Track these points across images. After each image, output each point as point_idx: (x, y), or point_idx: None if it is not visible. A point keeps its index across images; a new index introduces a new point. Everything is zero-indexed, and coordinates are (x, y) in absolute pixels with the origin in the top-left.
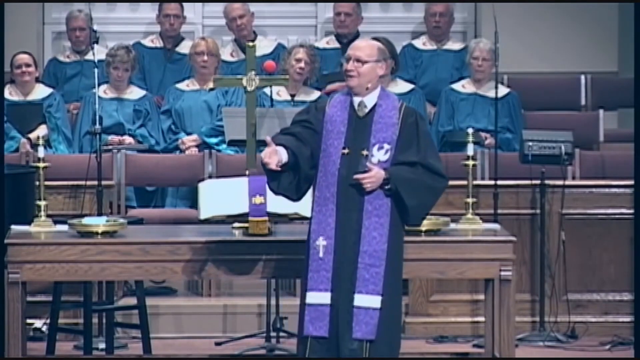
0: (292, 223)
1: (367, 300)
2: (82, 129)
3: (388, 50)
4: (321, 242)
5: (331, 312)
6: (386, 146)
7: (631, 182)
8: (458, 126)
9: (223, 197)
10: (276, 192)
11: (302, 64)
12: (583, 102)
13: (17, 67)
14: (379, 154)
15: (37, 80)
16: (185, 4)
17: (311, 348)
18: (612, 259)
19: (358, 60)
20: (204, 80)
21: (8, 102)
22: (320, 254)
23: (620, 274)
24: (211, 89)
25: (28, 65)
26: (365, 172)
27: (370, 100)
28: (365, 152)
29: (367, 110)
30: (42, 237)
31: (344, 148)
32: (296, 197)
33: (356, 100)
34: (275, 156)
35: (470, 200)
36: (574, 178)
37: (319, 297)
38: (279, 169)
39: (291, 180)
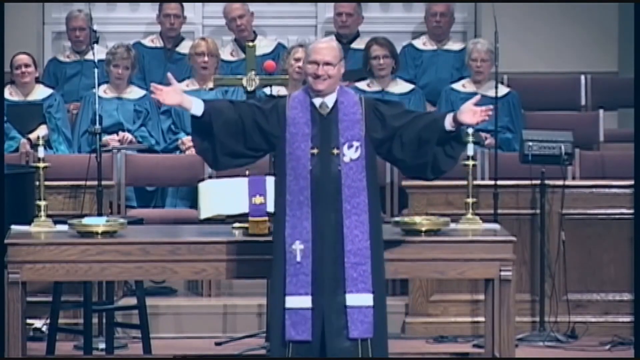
0: None
1: (360, 299)
2: (81, 129)
3: (388, 50)
4: (298, 246)
5: (313, 315)
6: (355, 144)
7: (631, 182)
8: None
9: (223, 197)
10: (197, 151)
11: (301, 63)
12: (583, 102)
13: (17, 68)
14: (350, 152)
15: (37, 80)
16: (185, 4)
17: (293, 352)
18: (612, 259)
19: (328, 64)
20: (204, 80)
21: (8, 102)
22: (298, 258)
23: (620, 274)
24: (211, 89)
25: (27, 66)
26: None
27: (330, 99)
28: (336, 151)
29: (329, 108)
30: (42, 237)
31: (312, 148)
32: (213, 165)
33: (316, 100)
34: (174, 94)
35: (470, 200)
36: (574, 178)
37: (300, 301)
38: (169, 104)
39: (207, 145)
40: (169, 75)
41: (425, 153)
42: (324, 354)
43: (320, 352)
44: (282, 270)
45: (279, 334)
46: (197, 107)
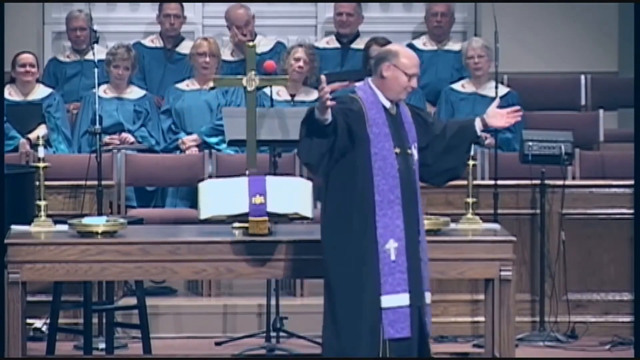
0: (292, 223)
1: (428, 297)
2: (81, 129)
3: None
4: (392, 244)
5: (411, 312)
6: (416, 145)
7: (631, 182)
8: None
9: (223, 197)
10: (307, 156)
11: (300, 63)
12: (583, 102)
13: (21, 66)
14: (415, 153)
15: (37, 80)
16: (185, 4)
17: (391, 349)
18: (612, 259)
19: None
20: (205, 80)
21: (8, 102)
22: (393, 257)
23: (620, 274)
24: (211, 89)
25: (32, 66)
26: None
27: None
28: (409, 151)
29: (395, 109)
30: (42, 237)
31: (395, 147)
32: (325, 170)
33: (385, 101)
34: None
35: (470, 200)
36: (574, 178)
37: (398, 300)
38: (330, 105)
39: (325, 149)
40: (322, 77)
41: (449, 160)
42: (424, 351)
43: (418, 348)
44: (375, 270)
45: (370, 334)
46: (329, 113)
